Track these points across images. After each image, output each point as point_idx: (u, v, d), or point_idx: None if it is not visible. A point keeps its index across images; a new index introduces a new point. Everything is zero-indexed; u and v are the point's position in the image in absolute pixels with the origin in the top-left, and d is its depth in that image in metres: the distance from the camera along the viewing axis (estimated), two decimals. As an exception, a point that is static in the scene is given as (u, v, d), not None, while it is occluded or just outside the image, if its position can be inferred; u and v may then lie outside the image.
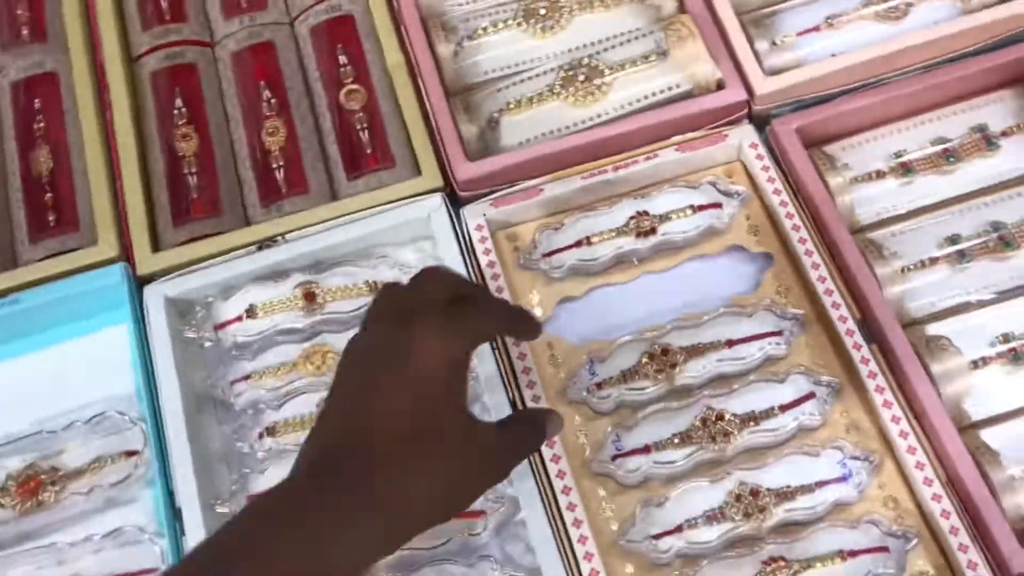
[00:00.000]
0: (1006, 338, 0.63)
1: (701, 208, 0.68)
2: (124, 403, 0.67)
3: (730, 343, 0.63)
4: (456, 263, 0.67)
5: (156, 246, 0.70)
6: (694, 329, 0.64)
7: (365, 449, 0.45)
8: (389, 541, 0.46)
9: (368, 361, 0.48)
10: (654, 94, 0.71)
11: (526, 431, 0.52)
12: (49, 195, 0.73)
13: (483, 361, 0.63)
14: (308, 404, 0.64)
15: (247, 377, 0.66)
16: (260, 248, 0.68)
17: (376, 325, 0.49)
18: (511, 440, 0.51)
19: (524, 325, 0.54)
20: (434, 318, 0.47)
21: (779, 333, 0.64)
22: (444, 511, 0.48)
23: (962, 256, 0.65)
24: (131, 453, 0.64)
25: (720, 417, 0.61)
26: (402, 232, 0.70)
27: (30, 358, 0.69)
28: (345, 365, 0.49)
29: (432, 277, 0.51)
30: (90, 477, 0.64)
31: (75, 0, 0.80)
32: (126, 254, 0.70)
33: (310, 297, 0.67)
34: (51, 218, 0.72)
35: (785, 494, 0.59)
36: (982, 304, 0.64)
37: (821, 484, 0.59)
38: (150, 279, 0.68)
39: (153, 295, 0.67)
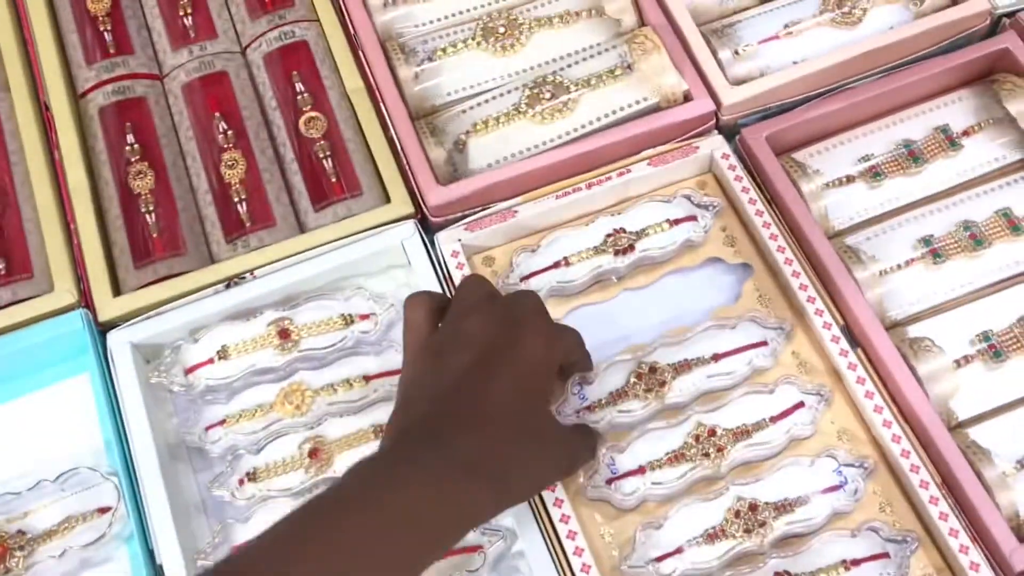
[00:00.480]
0: (985, 336, 0.63)
1: (677, 222, 0.67)
2: (92, 457, 0.64)
3: (716, 357, 0.63)
4: (434, 290, 0.65)
5: (117, 290, 0.67)
6: (679, 345, 0.63)
7: (477, 418, 0.50)
8: (493, 506, 0.50)
9: (477, 348, 0.52)
10: (622, 108, 0.70)
11: (593, 438, 0.60)
12: (-3, 242, 0.69)
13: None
14: (290, 446, 0.62)
15: (222, 422, 0.63)
16: (228, 286, 0.66)
17: (481, 322, 0.53)
18: (582, 440, 0.58)
19: (589, 359, 0.61)
20: (541, 327, 0.54)
21: (764, 343, 0.63)
22: (532, 488, 0.55)
23: (936, 256, 0.66)
24: (104, 510, 0.61)
25: (712, 432, 0.61)
26: (374, 262, 0.68)
27: (-12, 415, 0.66)
28: (446, 347, 0.53)
29: (529, 296, 0.56)
30: (61, 538, 0.60)
31: (12, 35, 0.77)
32: (85, 300, 0.67)
33: (284, 334, 0.65)
34: (1, 266, 0.68)
35: (783, 507, 0.59)
36: (959, 303, 0.65)
37: (818, 494, 0.59)
38: (112, 325, 0.66)
39: (117, 342, 0.64)
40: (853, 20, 0.73)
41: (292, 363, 0.65)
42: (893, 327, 0.64)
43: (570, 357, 0.59)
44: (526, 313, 0.54)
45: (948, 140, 0.70)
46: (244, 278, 0.66)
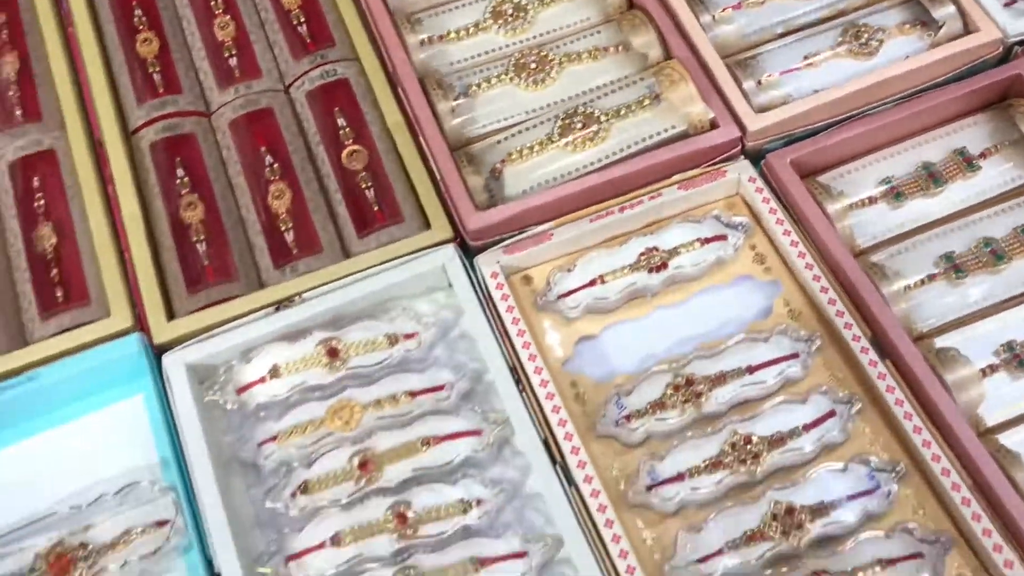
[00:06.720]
0: (1010, 346, 0.66)
1: (708, 241, 0.70)
2: (149, 475, 0.66)
3: (750, 369, 0.65)
4: (475, 310, 0.68)
5: (171, 315, 0.70)
6: (714, 358, 0.66)
7: None
8: None
9: None
10: (651, 136, 0.73)
11: None
12: (55, 271, 0.72)
13: (510, 401, 0.64)
14: (340, 459, 0.64)
15: (274, 438, 0.66)
16: (278, 309, 0.69)
17: None
18: None
19: None
20: None
21: (795, 356, 0.66)
22: None
23: (958, 271, 0.68)
24: (162, 523, 0.63)
25: (748, 440, 0.63)
26: (417, 284, 0.71)
27: (50, 435, 0.68)
28: None
29: None
30: (122, 550, 0.63)
31: (67, 77, 0.81)
32: (140, 325, 0.70)
33: (333, 353, 0.67)
34: (59, 294, 0.72)
35: (819, 510, 0.61)
36: (983, 315, 0.67)
37: (852, 497, 0.61)
38: (167, 348, 0.68)
39: (173, 363, 0.67)
40: (869, 51, 0.77)
41: (340, 380, 0.67)
42: (920, 339, 0.66)
43: None
44: None
45: (966, 162, 0.73)
46: (293, 301, 0.69)
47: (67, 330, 0.70)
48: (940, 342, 0.66)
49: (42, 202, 0.76)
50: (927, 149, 0.75)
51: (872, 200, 0.72)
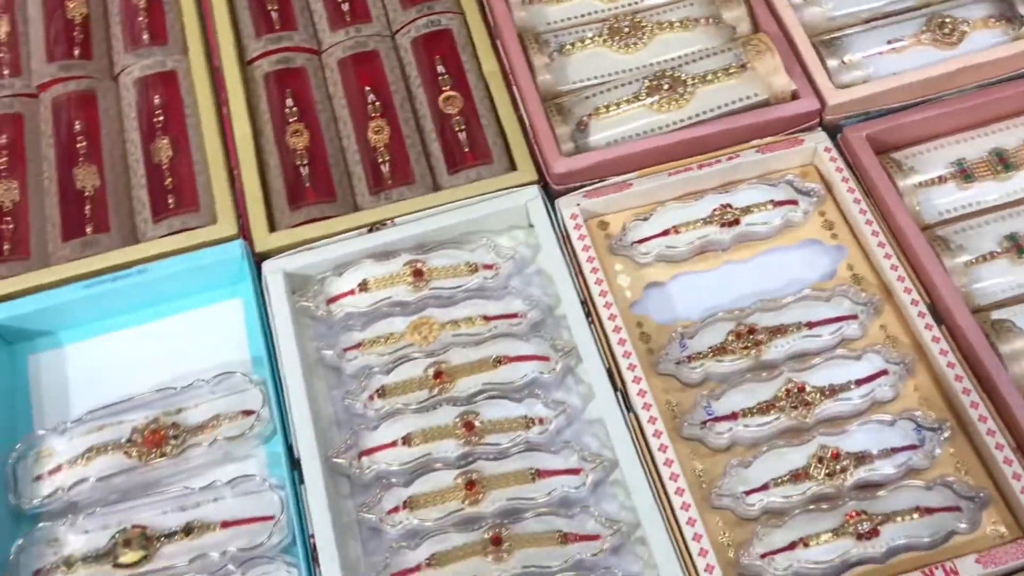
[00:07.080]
0: (1064, 326, 0.68)
1: (780, 204, 0.73)
2: (240, 368, 0.71)
3: (810, 324, 0.69)
4: (552, 247, 0.73)
5: (272, 227, 0.75)
6: (776, 311, 0.69)
7: None
8: None
9: None
10: (733, 102, 0.77)
11: None
12: (169, 180, 0.79)
13: (580, 332, 0.68)
14: (416, 369, 0.69)
15: (358, 345, 0.71)
16: (371, 230, 0.74)
17: None
18: None
19: None
20: None
21: (854, 317, 0.69)
22: None
23: (1021, 251, 0.71)
24: (248, 412, 0.69)
25: (801, 389, 0.66)
26: (499, 220, 0.75)
27: (155, 325, 0.74)
28: None
29: None
30: (210, 432, 0.68)
31: (193, 8, 0.87)
32: (243, 234, 0.75)
33: (418, 274, 0.72)
34: (171, 200, 0.78)
35: (864, 458, 0.64)
36: (1041, 294, 0.70)
37: (897, 450, 0.64)
38: (266, 256, 0.74)
39: (272, 270, 0.73)
40: (952, 41, 0.80)
41: (423, 299, 0.72)
42: (977, 311, 0.69)
43: None
44: None
45: (1038, 151, 0.76)
46: (385, 224, 0.74)
47: (176, 232, 0.76)
48: (997, 315, 0.68)
49: (161, 118, 0.82)
50: (1001, 137, 0.77)
51: (942, 179, 0.75)
